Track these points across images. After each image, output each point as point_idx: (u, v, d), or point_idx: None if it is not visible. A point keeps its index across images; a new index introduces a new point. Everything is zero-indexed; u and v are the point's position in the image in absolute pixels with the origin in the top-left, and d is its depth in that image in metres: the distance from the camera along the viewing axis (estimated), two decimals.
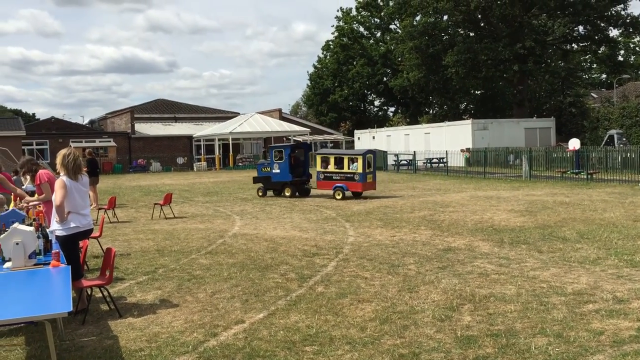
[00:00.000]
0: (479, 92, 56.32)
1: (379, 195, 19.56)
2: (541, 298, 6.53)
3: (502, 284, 7.22)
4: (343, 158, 19.17)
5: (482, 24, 47.45)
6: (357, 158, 18.71)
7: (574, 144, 27.06)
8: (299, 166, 20.74)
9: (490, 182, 24.49)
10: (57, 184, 6.35)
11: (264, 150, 21.17)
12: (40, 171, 7.95)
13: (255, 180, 21.48)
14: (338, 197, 18.71)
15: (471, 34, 47.75)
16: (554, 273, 7.73)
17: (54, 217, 6.45)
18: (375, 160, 20.28)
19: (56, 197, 6.32)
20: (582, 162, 25.42)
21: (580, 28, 44.86)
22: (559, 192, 19.03)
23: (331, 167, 19.28)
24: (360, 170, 18.53)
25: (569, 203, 15.69)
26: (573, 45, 47.18)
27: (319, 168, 19.70)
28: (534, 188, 20.77)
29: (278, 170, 20.26)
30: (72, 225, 6.38)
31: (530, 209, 14.59)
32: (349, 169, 18.81)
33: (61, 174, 6.48)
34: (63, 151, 6.53)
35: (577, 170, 25.16)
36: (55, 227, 6.41)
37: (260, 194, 20.76)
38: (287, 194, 20.20)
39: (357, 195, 19.06)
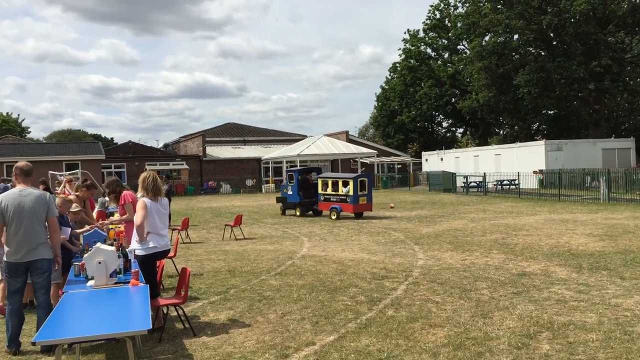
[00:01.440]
0: (552, 112, 54.60)
1: (448, 218, 19.22)
2: (625, 327, 6.20)
3: (582, 312, 6.90)
4: (338, 181, 20.88)
5: (555, 42, 46.19)
6: (349, 181, 20.37)
7: None
8: (310, 188, 22.45)
9: (566, 204, 23.58)
10: (139, 205, 6.64)
11: (289, 173, 23.04)
12: (125, 192, 8.31)
13: (278, 200, 24.03)
14: (333, 217, 20.43)
15: (543, 53, 46.54)
16: (638, 301, 7.32)
17: (134, 237, 6.71)
18: (371, 182, 21.50)
19: (137, 218, 6.59)
20: None
21: None
22: None
23: (329, 190, 21.04)
24: (351, 192, 20.15)
25: None
26: None
27: (320, 190, 21.42)
28: (614, 211, 19.83)
29: (291, 192, 22.49)
30: (151, 245, 6.62)
31: (610, 233, 13.92)
32: (342, 191, 20.49)
33: (141, 195, 6.75)
34: (143, 174, 6.83)
35: None
36: (135, 247, 6.67)
37: (281, 212, 22.98)
38: (297, 213, 22.20)
39: (357, 216, 20.50)
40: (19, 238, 6.05)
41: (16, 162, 6.61)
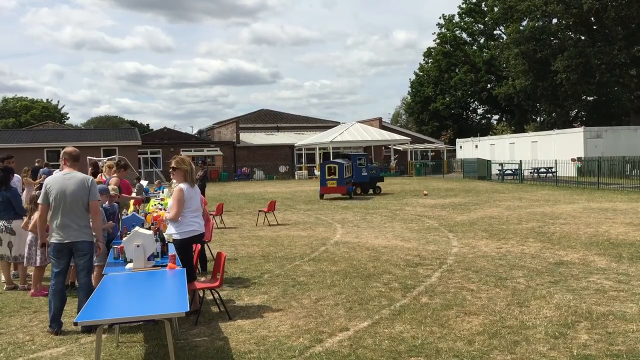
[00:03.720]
0: (592, 98, 53.26)
1: (483, 206, 19.00)
2: None
3: (622, 302, 6.76)
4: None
5: (595, 27, 44.91)
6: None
7: None
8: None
9: (605, 193, 23.05)
10: (176, 195, 6.68)
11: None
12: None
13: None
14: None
15: (583, 38, 45.32)
16: None
17: (171, 222, 6.78)
18: (343, 170, 23.80)
19: (172, 212, 6.65)
20: None
21: None
22: None
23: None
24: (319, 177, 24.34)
25: None
26: None
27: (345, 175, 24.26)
28: None
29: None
30: (189, 229, 6.71)
31: None
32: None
33: (178, 181, 6.82)
34: (185, 158, 6.89)
35: None
36: (172, 231, 6.76)
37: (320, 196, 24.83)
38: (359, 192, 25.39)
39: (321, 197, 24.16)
40: (60, 220, 6.22)
41: (57, 147, 6.81)
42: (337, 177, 23.69)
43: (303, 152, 49.93)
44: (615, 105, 52.70)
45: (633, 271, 8.44)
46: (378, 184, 26.72)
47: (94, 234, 6.47)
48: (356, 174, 25.55)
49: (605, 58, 40.37)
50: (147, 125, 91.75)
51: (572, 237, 11.88)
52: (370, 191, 26.26)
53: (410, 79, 69.89)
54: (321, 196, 24.24)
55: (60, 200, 6.22)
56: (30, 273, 8.44)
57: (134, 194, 11.42)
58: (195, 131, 74.19)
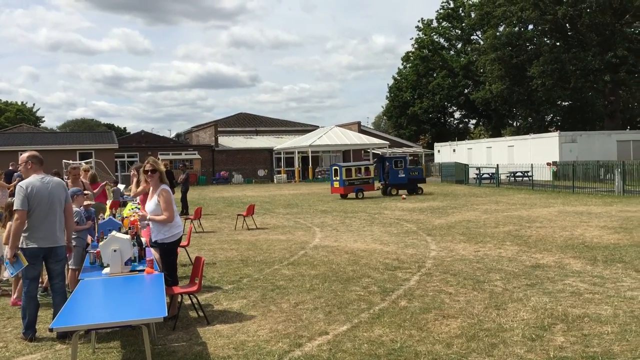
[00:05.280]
0: (567, 103, 54.12)
1: (461, 209, 19.16)
2: None
3: (597, 304, 6.86)
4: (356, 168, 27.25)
5: (570, 33, 45.68)
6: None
7: None
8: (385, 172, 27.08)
9: (580, 197, 23.41)
10: (167, 197, 6.61)
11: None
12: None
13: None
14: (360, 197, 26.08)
15: (558, 44, 46.06)
16: None
17: (157, 227, 6.65)
18: (342, 172, 26.16)
19: (167, 214, 6.56)
20: None
21: None
22: None
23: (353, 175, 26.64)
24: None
25: None
26: None
27: (345, 177, 26.20)
28: (628, 204, 19.66)
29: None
30: (177, 231, 6.68)
31: (625, 226, 13.81)
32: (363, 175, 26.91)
33: (154, 184, 6.75)
34: (153, 158, 6.84)
35: None
36: (162, 237, 6.63)
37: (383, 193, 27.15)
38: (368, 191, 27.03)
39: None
40: (45, 225, 6.09)
41: (35, 150, 6.67)
42: (338, 178, 26.06)
43: (282, 155, 49.87)
44: (590, 111, 53.61)
45: (607, 274, 8.57)
46: (419, 184, 27.85)
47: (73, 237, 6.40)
48: (392, 176, 26.92)
49: (580, 64, 41.07)
50: (124, 128, 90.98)
51: (548, 240, 12.03)
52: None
53: (388, 84, 70.26)
54: (344, 196, 26.05)
55: (46, 205, 6.10)
56: (4, 279, 8.28)
57: (109, 201, 11.29)
58: (173, 134, 73.66)
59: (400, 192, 26.92)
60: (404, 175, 27.09)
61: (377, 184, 28.26)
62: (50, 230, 6.12)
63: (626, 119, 47.38)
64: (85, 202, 8.33)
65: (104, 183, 11.42)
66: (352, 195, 26.19)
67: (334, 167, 26.94)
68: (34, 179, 6.24)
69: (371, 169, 27.47)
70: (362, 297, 7.56)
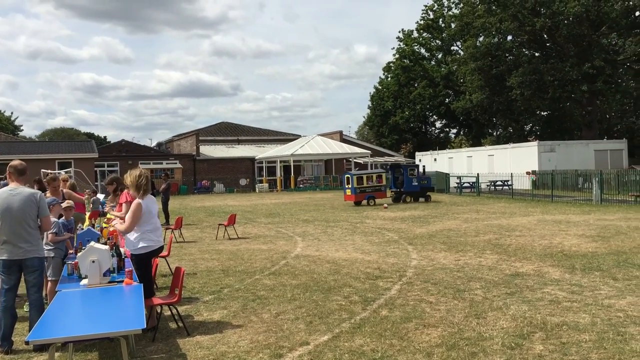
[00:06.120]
0: (545, 113, 54.86)
1: (442, 218, 19.28)
2: (618, 328, 6.23)
3: (575, 312, 6.93)
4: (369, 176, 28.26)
5: (548, 44, 46.41)
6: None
7: None
8: (398, 180, 28.17)
9: (559, 205, 23.69)
10: (135, 208, 6.56)
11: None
12: (126, 191, 8.24)
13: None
14: (371, 204, 26.87)
15: (537, 54, 46.74)
16: (631, 302, 7.36)
17: (127, 238, 6.66)
18: (353, 180, 26.99)
19: (126, 225, 6.53)
20: None
21: None
22: (633, 217, 18.18)
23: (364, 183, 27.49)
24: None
25: None
26: None
27: (356, 184, 26.93)
28: (606, 212, 19.94)
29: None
30: (147, 244, 6.59)
31: (603, 234, 14.00)
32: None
33: (133, 193, 6.69)
34: (136, 171, 6.75)
35: None
36: (130, 247, 6.63)
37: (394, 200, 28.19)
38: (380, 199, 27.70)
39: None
40: (7, 237, 6.03)
41: (9, 160, 6.57)
42: (350, 186, 27.07)
43: (264, 165, 49.81)
44: (568, 120, 54.36)
45: (585, 282, 8.67)
46: (428, 192, 28.65)
47: (46, 248, 6.29)
48: (407, 184, 27.70)
49: (558, 74, 41.70)
50: (105, 137, 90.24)
51: (527, 249, 12.15)
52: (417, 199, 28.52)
53: (370, 93, 70.67)
54: (357, 203, 26.83)
55: (6, 217, 6.02)
56: None
57: (88, 210, 11.17)
58: (154, 143, 73.18)
59: (407, 199, 27.85)
60: (417, 184, 27.87)
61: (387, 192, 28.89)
62: (15, 243, 6.03)
63: (603, 129, 48.16)
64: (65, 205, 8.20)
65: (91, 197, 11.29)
66: (364, 202, 26.94)
67: (346, 175, 27.81)
68: (1, 190, 6.19)
69: (383, 176, 28.01)
70: (343, 306, 7.56)
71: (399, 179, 28.18)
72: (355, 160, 51.83)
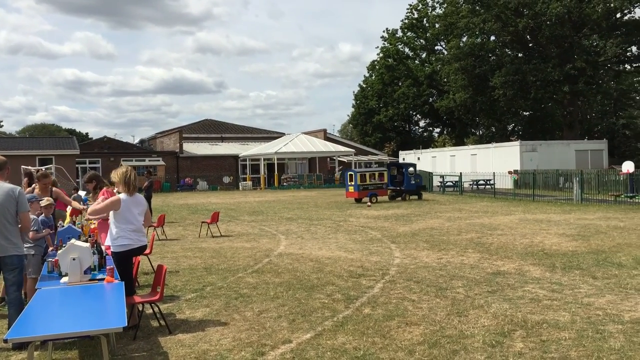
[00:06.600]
0: (527, 113, 55.40)
1: (425, 217, 19.38)
2: (597, 326, 6.31)
3: (555, 310, 7.01)
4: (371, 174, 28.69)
5: (530, 45, 46.85)
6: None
7: (628, 166, 26.23)
8: (396, 178, 29.07)
9: (540, 205, 23.93)
10: (113, 199, 6.56)
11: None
12: (104, 189, 8.18)
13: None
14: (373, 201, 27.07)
15: (519, 55, 47.16)
16: (610, 300, 7.47)
17: (109, 234, 6.61)
18: (356, 178, 27.62)
19: (100, 207, 6.59)
20: (637, 185, 24.58)
21: (634, 48, 43.80)
22: (613, 216, 18.43)
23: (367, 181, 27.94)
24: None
25: (623, 228, 15.18)
26: (626, 65, 46.01)
27: (359, 182, 27.43)
28: (586, 212, 20.19)
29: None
30: (127, 242, 6.53)
31: (583, 234, 14.17)
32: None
33: (119, 190, 6.65)
34: (122, 169, 6.70)
35: (631, 194, 24.33)
36: (109, 243, 6.58)
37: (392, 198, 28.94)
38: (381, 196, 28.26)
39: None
40: None
41: None
42: (353, 183, 27.63)
43: (248, 162, 49.66)
44: (550, 121, 54.96)
45: (565, 280, 8.77)
46: (421, 191, 29.71)
47: (26, 246, 6.20)
48: (407, 182, 28.59)
49: (540, 75, 42.11)
50: (86, 134, 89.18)
51: (508, 247, 12.26)
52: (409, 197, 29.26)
53: (354, 92, 70.77)
54: (357, 200, 27.31)
55: None
56: None
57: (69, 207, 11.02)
58: (136, 140, 72.63)
59: (411, 197, 28.78)
60: (413, 182, 28.78)
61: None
62: None
63: (584, 129, 48.71)
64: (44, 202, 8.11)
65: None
66: (365, 199, 27.39)
67: (349, 173, 28.45)
68: None
69: (385, 175, 28.42)
70: (326, 304, 7.57)
71: (397, 177, 28.94)
72: (339, 158, 51.88)
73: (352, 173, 28.06)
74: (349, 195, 28.21)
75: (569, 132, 45.00)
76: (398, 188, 28.77)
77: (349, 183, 28.07)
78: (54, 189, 9.64)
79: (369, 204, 25.76)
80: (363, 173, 28.24)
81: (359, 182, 27.36)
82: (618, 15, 42.37)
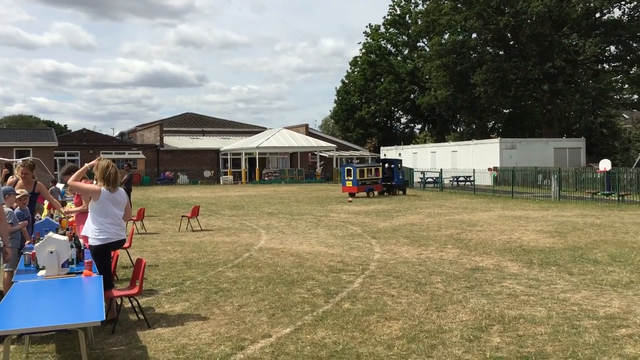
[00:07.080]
0: (507, 110, 55.88)
1: (405, 213, 19.48)
2: (572, 321, 6.42)
3: (532, 306, 7.11)
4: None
5: (511, 43, 47.22)
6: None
7: (605, 164, 26.63)
8: (387, 174, 29.68)
9: (519, 201, 24.20)
10: (92, 186, 6.64)
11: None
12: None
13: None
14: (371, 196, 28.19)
15: (500, 53, 47.52)
16: (585, 296, 7.59)
17: (87, 226, 6.55)
18: (355, 172, 28.16)
19: (84, 185, 6.76)
20: (613, 183, 24.97)
21: (612, 48, 44.32)
22: (589, 213, 18.72)
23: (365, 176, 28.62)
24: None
25: (599, 225, 15.42)
26: (604, 65, 46.59)
27: (358, 177, 28.14)
28: (564, 209, 20.47)
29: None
30: (105, 235, 6.48)
31: (560, 230, 14.37)
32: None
33: (99, 184, 6.60)
34: (103, 163, 6.65)
35: (607, 192, 24.72)
36: (87, 234, 6.52)
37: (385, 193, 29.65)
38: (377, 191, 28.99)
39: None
40: None
41: None
42: (351, 178, 28.24)
43: (229, 157, 49.46)
44: (529, 118, 55.50)
45: (542, 276, 8.90)
46: (405, 187, 31.05)
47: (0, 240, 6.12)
48: (397, 177, 29.76)
49: (520, 73, 42.50)
50: (65, 126, 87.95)
51: (487, 243, 12.39)
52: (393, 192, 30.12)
53: (336, 87, 70.75)
54: (351, 195, 27.71)
55: None
56: None
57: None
58: (116, 133, 71.82)
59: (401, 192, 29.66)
60: (401, 177, 30.06)
61: None
62: None
63: (563, 128, 49.27)
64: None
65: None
66: (362, 193, 28.16)
67: (347, 168, 29.10)
68: None
69: (380, 170, 29.19)
70: (306, 299, 7.58)
71: (386, 172, 29.73)
72: (320, 153, 51.90)
73: (351, 168, 28.61)
74: (345, 189, 28.63)
75: (548, 130, 45.50)
76: (389, 183, 29.61)
77: (347, 178, 28.49)
78: (38, 182, 9.50)
79: (350, 199, 25.83)
80: (362, 168, 28.85)
81: (359, 177, 27.98)
82: (597, 15, 42.87)
